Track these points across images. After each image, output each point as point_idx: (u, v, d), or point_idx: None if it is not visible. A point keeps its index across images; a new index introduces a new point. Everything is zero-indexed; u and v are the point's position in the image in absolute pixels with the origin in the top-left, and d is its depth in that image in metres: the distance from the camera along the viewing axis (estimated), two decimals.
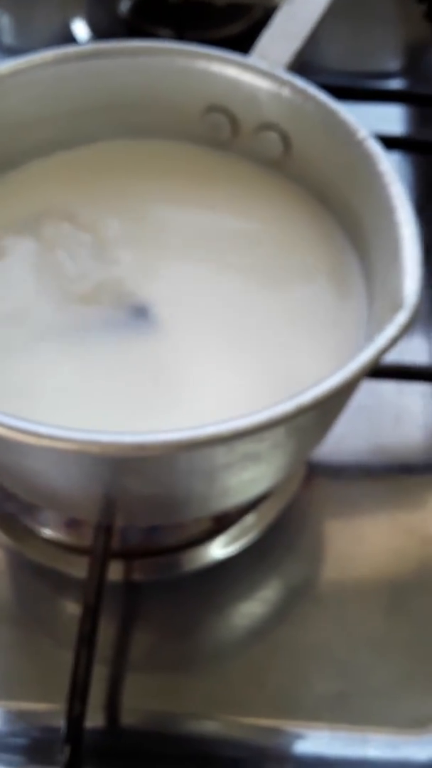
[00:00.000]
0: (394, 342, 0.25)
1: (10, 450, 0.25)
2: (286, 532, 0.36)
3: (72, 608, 0.33)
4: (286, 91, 0.32)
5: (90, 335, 0.30)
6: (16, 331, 0.29)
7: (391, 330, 0.25)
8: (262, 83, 0.33)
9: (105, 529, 0.30)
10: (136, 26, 0.55)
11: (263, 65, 0.33)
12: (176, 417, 0.26)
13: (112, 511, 0.28)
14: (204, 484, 0.27)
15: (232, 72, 0.33)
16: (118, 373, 0.29)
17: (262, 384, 0.28)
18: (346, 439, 0.39)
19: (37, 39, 0.56)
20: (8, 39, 0.57)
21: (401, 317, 0.25)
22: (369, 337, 0.25)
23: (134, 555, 0.34)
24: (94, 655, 0.28)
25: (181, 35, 0.51)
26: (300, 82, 0.32)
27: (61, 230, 0.32)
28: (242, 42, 0.35)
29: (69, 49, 0.33)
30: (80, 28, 0.56)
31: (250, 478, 0.28)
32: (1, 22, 0.57)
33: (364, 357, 0.24)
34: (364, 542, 0.36)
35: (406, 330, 0.25)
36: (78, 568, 0.33)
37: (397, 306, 0.26)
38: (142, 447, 0.22)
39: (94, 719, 0.30)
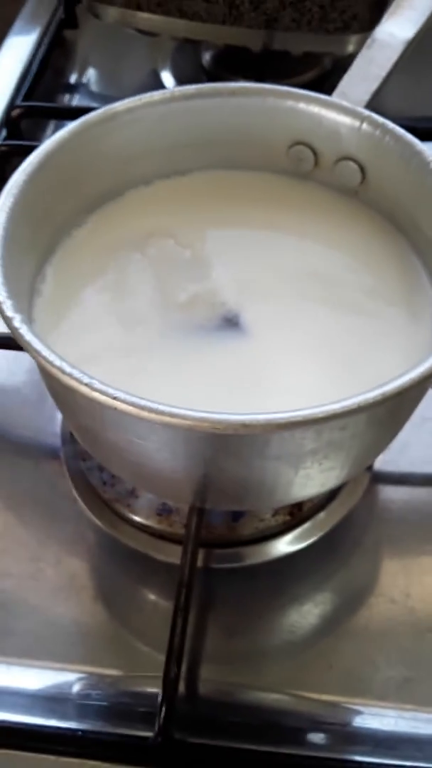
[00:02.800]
0: None
1: (128, 429, 0.28)
2: (353, 530, 0.39)
3: (159, 590, 0.36)
4: (365, 126, 0.36)
5: (188, 338, 0.34)
6: (126, 332, 0.33)
7: None
8: (343, 119, 0.37)
9: (198, 512, 0.33)
10: (217, 75, 0.60)
11: (345, 103, 0.37)
12: (265, 408, 0.29)
13: (205, 494, 0.31)
14: (290, 469, 0.30)
15: (316, 109, 0.37)
16: (213, 371, 0.33)
17: (343, 381, 0.32)
18: (410, 448, 0.41)
19: (128, 88, 0.61)
20: (101, 89, 0.63)
21: None
22: None
23: (216, 544, 0.37)
24: (187, 625, 0.31)
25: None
26: (379, 118, 0.36)
27: (165, 247, 0.36)
28: (314, 88, 0.39)
29: (175, 90, 0.37)
30: (167, 78, 0.62)
31: (329, 467, 0.31)
32: (96, 73, 0.63)
33: None
34: (428, 541, 0.38)
35: None
36: (165, 554, 0.37)
37: None
38: (245, 425, 0.25)
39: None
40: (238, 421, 0.25)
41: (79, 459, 0.39)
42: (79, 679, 0.34)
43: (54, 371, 0.26)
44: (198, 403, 0.28)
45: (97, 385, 0.26)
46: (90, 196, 0.37)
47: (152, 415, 0.25)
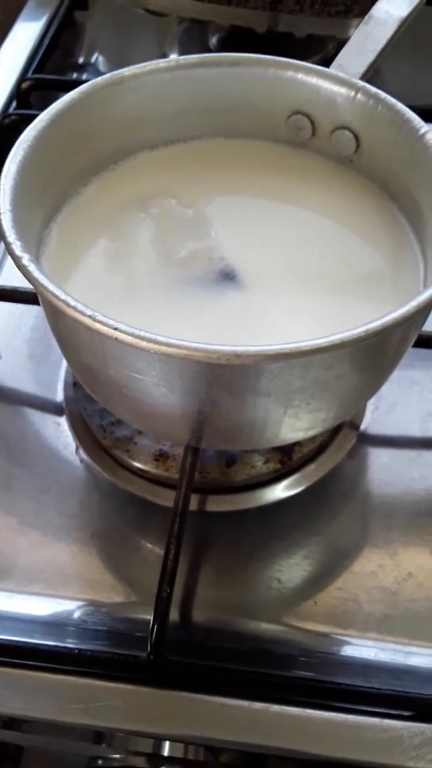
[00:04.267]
0: None
1: (127, 364, 0.30)
2: (341, 483, 0.41)
3: (154, 531, 0.38)
4: (360, 96, 0.38)
5: (188, 290, 0.36)
6: (131, 284, 0.36)
7: None
8: (339, 89, 0.39)
9: (192, 451, 0.35)
10: None
11: (341, 74, 0.39)
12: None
13: (200, 432, 0.33)
14: (280, 407, 0.32)
15: (314, 80, 0.39)
16: (210, 320, 0.35)
17: (330, 330, 0.34)
18: (397, 410, 0.43)
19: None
20: (109, 69, 0.64)
21: None
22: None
23: (209, 490, 0.39)
24: (180, 549, 0.33)
25: None
26: (372, 88, 0.38)
27: (168, 207, 0.38)
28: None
29: (180, 58, 0.39)
30: None
31: (316, 408, 0.32)
32: (105, 53, 0.65)
33: (422, 297, 0.29)
34: (412, 494, 0.40)
35: None
36: (162, 498, 0.38)
37: None
38: (237, 355, 0.27)
39: (173, 615, 0.35)
40: (231, 351, 0.27)
41: (81, 407, 0.41)
42: (78, 606, 0.36)
43: (60, 304, 0.28)
44: None
45: (100, 317, 0.28)
46: (97, 157, 0.39)
47: (151, 345, 0.27)
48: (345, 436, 0.42)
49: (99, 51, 0.66)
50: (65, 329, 0.32)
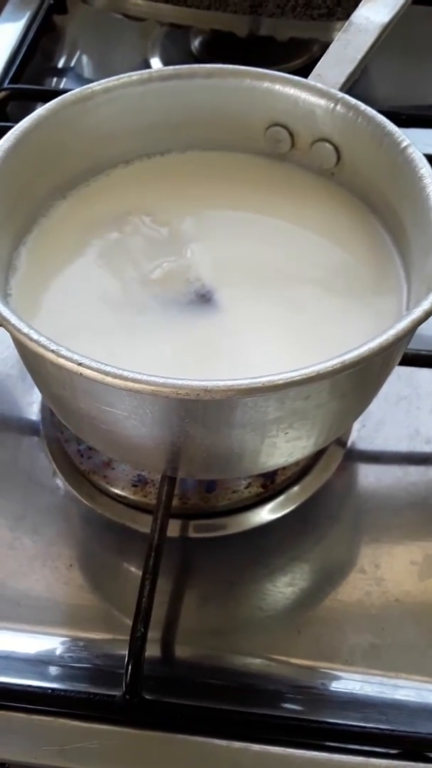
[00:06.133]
0: (428, 315, 0.29)
1: (97, 397, 0.29)
2: (327, 504, 0.39)
3: (133, 558, 0.37)
4: (339, 108, 0.37)
5: (162, 312, 0.35)
6: (104, 306, 0.34)
7: (426, 305, 0.29)
8: (318, 100, 0.37)
9: (169, 480, 0.34)
10: (205, 61, 0.60)
11: (320, 85, 0.37)
12: (234, 375, 0.30)
13: (176, 463, 0.32)
14: (255, 437, 0.30)
15: (292, 91, 0.38)
16: (186, 343, 0.33)
17: (309, 355, 0.32)
18: (384, 426, 0.42)
19: (117, 73, 0.62)
20: (90, 73, 0.64)
21: None
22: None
23: (190, 515, 0.38)
24: (155, 586, 0.32)
25: None
26: (352, 100, 0.37)
27: (142, 225, 0.37)
28: (302, 75, 0.39)
29: (153, 71, 0.38)
30: (156, 64, 0.62)
31: (295, 437, 0.31)
32: (86, 58, 0.64)
33: (401, 325, 0.28)
34: (400, 516, 0.39)
35: None
36: (141, 524, 0.37)
37: (431, 287, 0.30)
38: (207, 390, 0.26)
39: (153, 651, 0.34)
40: (200, 386, 0.26)
41: (58, 431, 0.40)
42: (56, 642, 0.35)
43: (22, 338, 0.27)
44: (168, 374, 0.28)
45: (64, 352, 0.27)
46: (68, 175, 0.38)
47: (117, 381, 0.26)
48: (331, 456, 0.41)
49: (80, 56, 0.65)
50: (33, 359, 0.31)
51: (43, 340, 0.27)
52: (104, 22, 0.63)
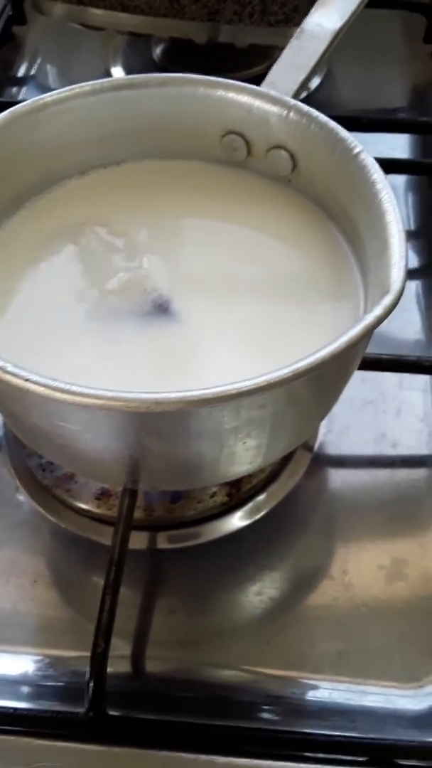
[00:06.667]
0: (380, 321, 0.29)
1: (49, 413, 0.29)
2: (295, 510, 0.39)
3: (101, 572, 0.37)
4: (292, 115, 0.37)
5: (119, 324, 0.34)
6: (60, 319, 0.34)
7: (378, 310, 0.29)
8: (271, 108, 0.37)
9: (130, 493, 0.34)
10: (167, 69, 0.60)
11: (273, 92, 0.37)
12: (191, 386, 0.30)
13: (136, 475, 0.32)
14: (214, 447, 0.30)
15: (246, 99, 0.38)
16: (143, 354, 0.33)
17: (269, 363, 0.32)
18: (351, 430, 0.42)
19: (78, 82, 0.61)
20: (52, 82, 0.63)
21: (387, 300, 0.29)
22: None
23: (157, 527, 0.38)
24: (116, 602, 0.32)
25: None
26: (304, 107, 0.37)
27: (98, 236, 0.37)
28: (263, 81, 0.39)
29: (105, 81, 0.38)
30: (117, 72, 0.62)
31: (254, 445, 0.31)
32: (47, 67, 0.64)
33: (354, 332, 0.28)
34: (367, 520, 0.39)
35: (391, 310, 0.29)
36: (106, 537, 0.37)
37: (385, 292, 0.29)
38: (158, 402, 0.26)
39: (122, 666, 0.34)
40: (151, 398, 0.26)
41: (19, 446, 0.39)
42: (21, 660, 0.34)
43: None
44: (126, 387, 0.28)
45: (10, 368, 0.26)
46: (22, 187, 0.38)
47: (65, 396, 0.26)
48: (298, 461, 0.41)
49: (40, 65, 0.64)
50: None
51: None
52: (64, 32, 0.63)
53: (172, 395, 0.26)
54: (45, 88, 0.62)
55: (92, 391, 0.26)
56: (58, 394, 0.26)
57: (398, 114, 0.61)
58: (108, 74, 0.62)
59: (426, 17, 0.63)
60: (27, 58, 0.64)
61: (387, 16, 0.65)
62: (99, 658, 0.30)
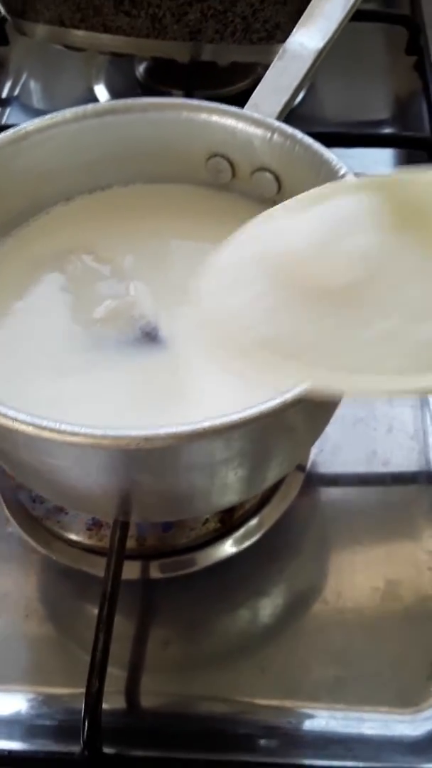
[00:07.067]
0: None
1: (37, 450, 0.28)
2: (288, 534, 0.39)
3: (93, 604, 0.36)
4: (276, 137, 0.37)
5: (107, 353, 0.34)
6: (47, 349, 0.34)
7: None
8: (255, 130, 0.37)
9: (121, 525, 0.34)
10: (150, 88, 0.61)
11: (256, 115, 0.37)
12: (180, 419, 0.30)
13: (127, 508, 0.32)
14: (205, 479, 0.30)
15: (229, 122, 0.38)
16: (131, 383, 0.33)
17: (257, 392, 0.32)
18: (342, 449, 0.42)
19: (63, 102, 0.62)
20: (36, 102, 0.63)
21: None
22: None
23: (149, 556, 0.37)
24: (110, 638, 0.31)
25: (190, 94, 0.56)
26: (288, 129, 0.36)
27: (84, 263, 0.37)
28: (246, 98, 0.39)
29: (87, 107, 0.38)
30: (101, 91, 0.62)
31: (246, 474, 0.31)
32: (30, 87, 0.63)
33: None
34: (360, 541, 0.38)
35: None
36: (99, 569, 0.36)
37: None
38: (147, 439, 0.26)
39: (117, 701, 0.33)
40: (141, 435, 0.26)
41: (8, 477, 0.39)
42: (15, 698, 0.34)
43: None
44: (116, 419, 0.28)
45: None
46: (6, 215, 0.38)
47: (54, 435, 0.26)
48: (290, 483, 0.40)
49: (24, 85, 0.64)
50: None
51: None
52: (47, 51, 0.63)
53: (162, 431, 0.26)
54: (29, 108, 0.62)
55: (81, 430, 0.26)
56: (46, 433, 0.26)
57: (382, 126, 0.61)
58: (91, 93, 0.62)
59: (407, 29, 0.64)
60: (10, 78, 0.63)
61: (369, 29, 0.65)
62: (93, 696, 0.30)
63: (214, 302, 0.28)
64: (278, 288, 0.25)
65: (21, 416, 0.26)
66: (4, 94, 0.63)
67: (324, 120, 0.62)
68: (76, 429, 0.26)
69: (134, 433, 0.26)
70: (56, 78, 0.64)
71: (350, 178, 0.34)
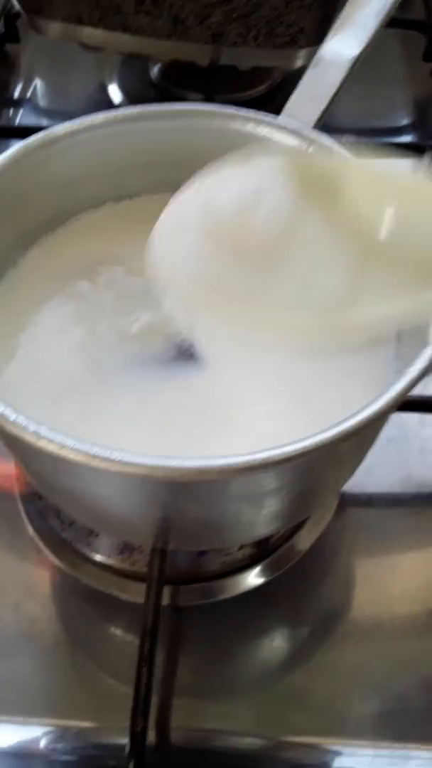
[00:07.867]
0: (423, 374, 0.27)
1: (78, 476, 0.27)
2: (321, 559, 0.38)
3: (124, 631, 0.35)
4: (312, 149, 0.35)
5: (143, 372, 0.32)
6: (79, 368, 0.32)
7: (420, 363, 0.27)
8: (291, 141, 0.36)
9: (160, 553, 0.32)
10: (165, 90, 0.59)
11: (292, 125, 0.36)
12: (224, 445, 0.28)
13: (166, 536, 0.30)
14: (253, 508, 0.29)
15: (264, 131, 0.36)
16: (169, 404, 0.31)
17: (300, 416, 0.31)
18: (375, 469, 0.41)
19: (74, 103, 0.60)
20: (47, 103, 0.61)
21: (429, 351, 0.28)
22: (399, 372, 0.28)
23: (180, 581, 0.36)
24: (153, 674, 0.30)
25: (208, 97, 0.54)
26: (325, 140, 0.35)
27: (115, 275, 0.35)
28: (265, 102, 0.38)
29: (117, 113, 0.36)
30: (114, 92, 0.60)
31: (294, 503, 0.30)
32: (42, 87, 0.61)
33: (398, 387, 0.27)
34: (396, 567, 0.37)
35: None
36: (130, 593, 0.35)
37: (425, 342, 0.28)
38: (201, 471, 0.24)
39: (148, 736, 0.32)
40: (194, 467, 0.24)
41: (36, 498, 0.37)
42: (45, 732, 0.32)
43: None
44: (154, 443, 0.27)
45: (44, 432, 0.24)
46: (35, 223, 0.36)
47: (104, 464, 0.24)
48: (325, 507, 0.39)
49: (35, 85, 0.62)
50: (8, 437, 0.29)
51: (21, 420, 0.25)
52: (58, 50, 0.61)
53: (217, 463, 0.24)
54: (41, 109, 0.60)
55: (134, 460, 0.24)
56: (97, 462, 0.24)
57: (401, 133, 0.60)
58: (104, 93, 0.60)
59: (425, 35, 0.63)
60: (22, 77, 0.62)
61: (385, 35, 0.63)
62: (138, 737, 0.28)
63: (162, 246, 0.32)
64: (210, 240, 0.30)
65: (70, 443, 0.24)
66: (16, 95, 0.61)
67: (341, 128, 0.60)
68: (130, 458, 0.24)
69: (188, 464, 0.24)
70: (68, 78, 0.62)
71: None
